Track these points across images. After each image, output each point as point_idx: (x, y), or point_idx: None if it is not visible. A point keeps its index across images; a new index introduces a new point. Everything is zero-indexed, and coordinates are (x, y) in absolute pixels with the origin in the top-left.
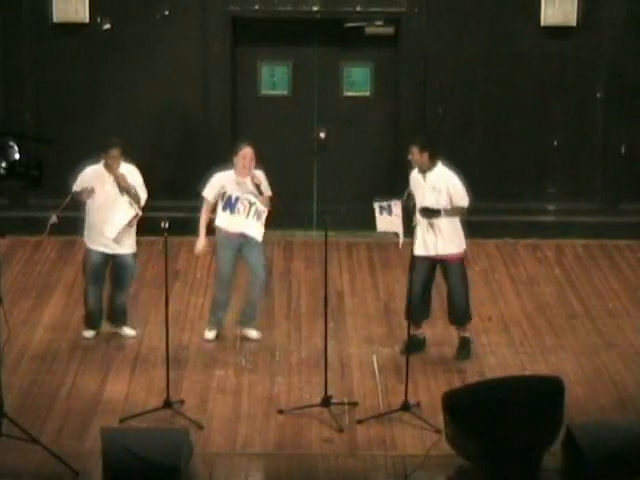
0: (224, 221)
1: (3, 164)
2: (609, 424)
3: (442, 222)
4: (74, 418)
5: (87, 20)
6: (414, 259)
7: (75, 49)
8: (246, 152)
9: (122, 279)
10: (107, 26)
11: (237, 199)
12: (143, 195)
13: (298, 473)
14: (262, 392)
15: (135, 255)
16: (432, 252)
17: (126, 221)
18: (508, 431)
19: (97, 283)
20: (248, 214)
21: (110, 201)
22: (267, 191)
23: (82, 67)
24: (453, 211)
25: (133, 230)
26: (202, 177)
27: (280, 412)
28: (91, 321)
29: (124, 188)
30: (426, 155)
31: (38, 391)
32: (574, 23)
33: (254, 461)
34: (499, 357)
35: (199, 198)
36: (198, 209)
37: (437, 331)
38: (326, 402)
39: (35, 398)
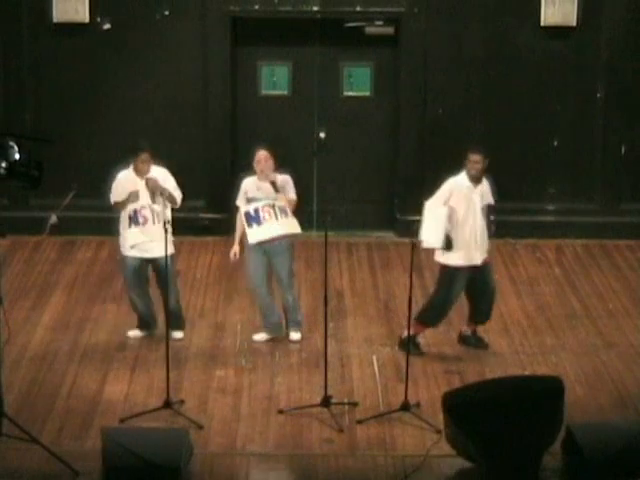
0: (257, 235)
1: (3, 164)
2: (609, 424)
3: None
4: (74, 418)
5: (87, 20)
6: (456, 271)
7: (75, 49)
8: (259, 156)
9: (163, 283)
10: (107, 26)
11: (256, 210)
12: (178, 196)
13: (298, 473)
14: (262, 392)
15: (172, 256)
16: (482, 259)
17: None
18: (508, 431)
19: (140, 287)
20: (276, 216)
21: (146, 205)
22: (292, 194)
23: (82, 67)
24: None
25: (168, 231)
26: (202, 177)
27: (280, 412)
28: (145, 324)
29: (155, 192)
30: (486, 162)
31: (38, 391)
32: (574, 23)
33: (254, 461)
34: (499, 357)
35: (199, 198)
36: (198, 209)
37: (437, 331)
38: (326, 402)
39: (35, 398)
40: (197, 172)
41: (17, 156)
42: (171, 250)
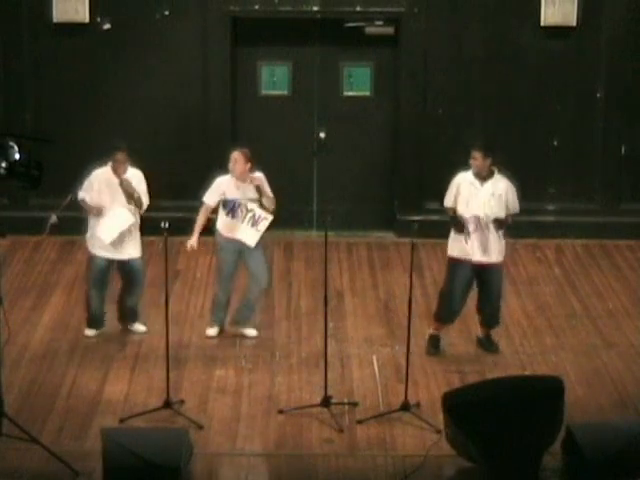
0: (222, 225)
1: (3, 164)
2: (609, 424)
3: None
4: (74, 418)
5: (87, 20)
6: (457, 263)
7: (75, 49)
8: (232, 157)
9: (132, 283)
10: (107, 26)
11: (238, 205)
12: (145, 201)
13: (298, 473)
14: (262, 392)
15: (141, 258)
16: (491, 259)
17: (124, 228)
18: (508, 431)
19: (101, 288)
20: (243, 220)
21: (116, 205)
22: (269, 192)
23: (82, 67)
24: (512, 217)
25: (137, 233)
26: (202, 177)
27: (280, 412)
28: (93, 323)
29: (129, 193)
30: (489, 161)
31: (38, 391)
32: (574, 23)
33: (254, 461)
34: (499, 357)
35: (199, 198)
36: (198, 209)
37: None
38: (326, 402)
39: (35, 398)
40: (197, 172)
41: (17, 156)
42: (140, 252)
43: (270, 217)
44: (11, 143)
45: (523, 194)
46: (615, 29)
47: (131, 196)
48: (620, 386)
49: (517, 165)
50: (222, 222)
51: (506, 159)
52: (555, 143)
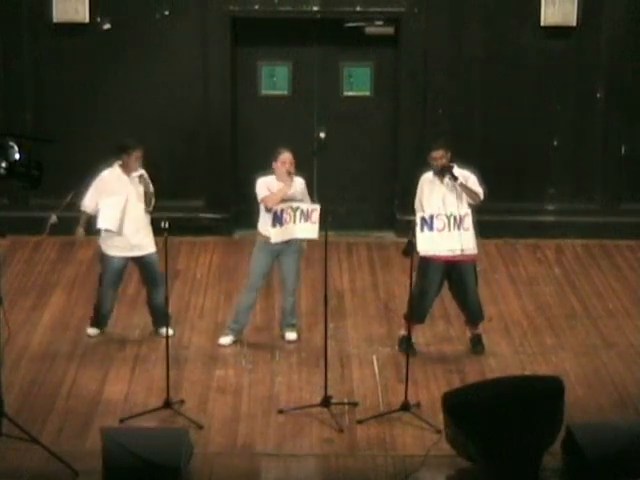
0: (277, 236)
1: (3, 164)
2: (609, 424)
3: (468, 223)
4: (74, 418)
5: (87, 20)
6: (428, 262)
7: (75, 49)
8: (285, 157)
9: (156, 277)
10: (107, 26)
11: (282, 211)
12: (153, 200)
13: (298, 473)
14: (262, 392)
15: (156, 253)
16: (463, 251)
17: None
18: (508, 431)
19: (116, 287)
20: (295, 220)
21: (131, 205)
22: (308, 200)
23: (82, 67)
24: (469, 190)
25: (150, 229)
26: (202, 177)
27: (280, 412)
28: (100, 322)
29: (146, 190)
30: (449, 156)
31: (38, 391)
32: (574, 23)
33: (254, 461)
34: (499, 357)
35: (199, 198)
36: (198, 209)
37: (437, 331)
38: (326, 402)
39: (35, 398)
40: (197, 172)
41: (17, 156)
42: (155, 247)
43: (318, 206)
44: (11, 143)
45: (523, 194)
46: (615, 29)
47: (146, 193)
48: (620, 386)
49: (517, 165)
50: (276, 234)
51: (506, 159)
52: (555, 143)
